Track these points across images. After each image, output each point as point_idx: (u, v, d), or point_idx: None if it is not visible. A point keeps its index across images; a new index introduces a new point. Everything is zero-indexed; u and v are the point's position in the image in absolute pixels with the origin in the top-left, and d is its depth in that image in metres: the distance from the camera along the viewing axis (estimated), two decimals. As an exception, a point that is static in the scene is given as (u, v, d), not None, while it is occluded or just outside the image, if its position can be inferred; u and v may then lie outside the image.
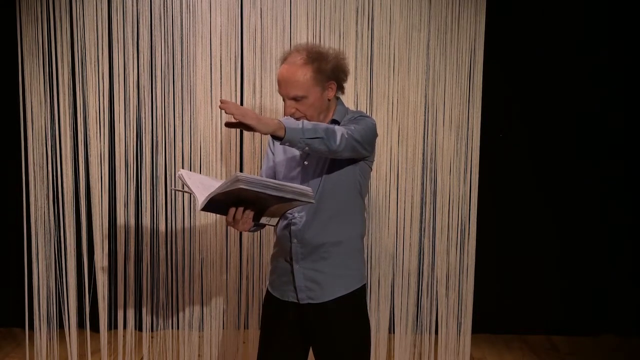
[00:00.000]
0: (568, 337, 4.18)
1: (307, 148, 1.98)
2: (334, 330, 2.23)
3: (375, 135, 2.24)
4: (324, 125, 2.02)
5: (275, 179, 2.25)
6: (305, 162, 2.23)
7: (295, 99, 2.14)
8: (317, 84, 2.15)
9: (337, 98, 2.28)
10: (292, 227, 2.23)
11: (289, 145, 1.97)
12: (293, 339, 2.29)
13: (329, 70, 2.16)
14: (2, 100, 3.76)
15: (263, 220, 2.10)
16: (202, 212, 3.21)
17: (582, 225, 4.14)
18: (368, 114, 3.17)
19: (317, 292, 2.22)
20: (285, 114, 2.18)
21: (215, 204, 1.99)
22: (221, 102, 1.86)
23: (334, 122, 2.23)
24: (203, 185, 2.04)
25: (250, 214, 2.02)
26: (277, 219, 2.14)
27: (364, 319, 2.29)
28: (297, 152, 2.25)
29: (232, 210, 2.01)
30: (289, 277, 2.26)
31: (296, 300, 2.25)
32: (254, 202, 1.99)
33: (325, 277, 2.22)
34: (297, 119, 2.17)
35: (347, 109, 2.29)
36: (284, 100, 2.21)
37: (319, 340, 2.26)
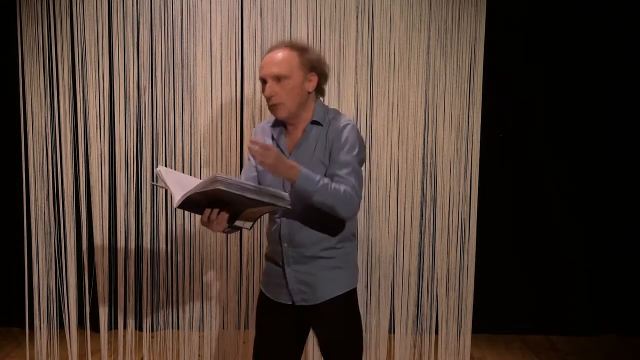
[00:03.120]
0: (568, 337, 4.18)
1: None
2: (330, 328, 2.26)
3: (364, 146, 2.23)
4: (338, 192, 2.07)
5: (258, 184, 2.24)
6: None
7: (278, 78, 2.16)
8: (300, 69, 2.17)
9: (317, 98, 2.28)
10: (282, 231, 2.23)
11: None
12: (288, 338, 2.31)
13: (313, 61, 2.20)
14: (2, 100, 3.76)
15: (238, 222, 2.10)
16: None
17: (582, 225, 4.14)
18: (368, 117, 3.19)
19: (310, 294, 2.23)
20: (265, 94, 2.19)
21: (191, 203, 1.99)
22: (251, 142, 1.98)
23: (315, 123, 2.22)
24: (180, 184, 2.03)
25: (225, 215, 2.03)
26: (252, 222, 2.13)
27: (356, 319, 2.30)
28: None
29: (208, 210, 2.02)
30: (281, 279, 2.26)
31: (290, 303, 2.26)
32: (230, 203, 1.99)
33: (315, 280, 2.22)
34: (275, 104, 2.18)
35: (326, 109, 2.27)
36: (263, 84, 2.21)
37: (318, 335, 2.31)
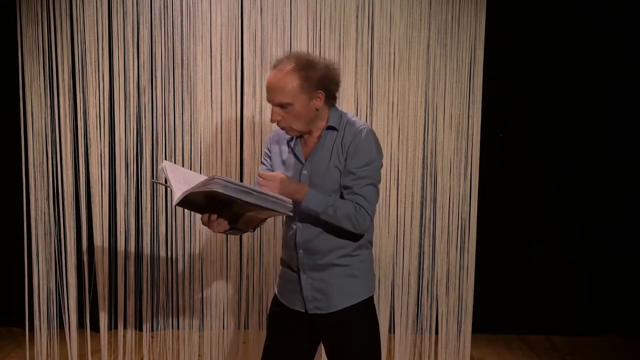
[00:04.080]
0: (568, 337, 4.18)
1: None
2: (343, 338, 2.22)
3: (381, 153, 2.20)
4: (343, 215, 2.10)
5: None
6: (304, 171, 2.20)
7: (281, 105, 2.12)
8: (304, 92, 2.11)
9: (332, 105, 2.22)
10: (297, 238, 2.20)
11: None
12: (298, 346, 2.29)
13: (317, 79, 2.12)
14: (2, 100, 3.76)
15: (240, 225, 2.07)
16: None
17: (582, 225, 4.14)
18: (368, 117, 3.19)
19: (324, 302, 2.20)
20: (271, 121, 2.16)
21: (191, 202, 1.97)
22: (258, 175, 2.10)
23: (331, 128, 2.19)
24: (185, 181, 1.99)
25: (225, 217, 2.01)
26: (255, 226, 2.11)
27: (372, 329, 2.27)
28: (296, 162, 2.23)
29: (207, 211, 2.01)
30: (296, 286, 2.25)
31: (304, 310, 2.24)
32: (230, 205, 1.97)
33: (331, 288, 2.20)
34: (283, 127, 2.16)
35: (340, 114, 2.22)
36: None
37: (329, 346, 2.26)
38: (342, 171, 2.15)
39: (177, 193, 1.93)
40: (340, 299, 2.20)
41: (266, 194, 1.93)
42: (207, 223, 2.04)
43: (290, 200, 1.98)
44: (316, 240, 2.18)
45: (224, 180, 1.85)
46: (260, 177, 2.07)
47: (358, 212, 2.10)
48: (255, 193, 1.90)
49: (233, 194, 1.86)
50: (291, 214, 2.01)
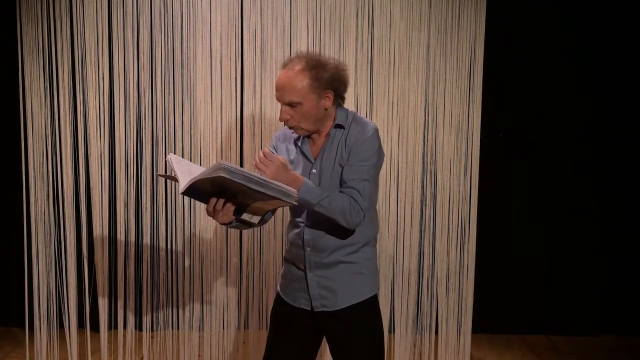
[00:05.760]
0: (568, 337, 4.18)
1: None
2: (348, 335, 2.22)
3: (382, 152, 2.22)
4: (337, 207, 2.09)
5: None
6: (314, 170, 2.21)
7: (291, 104, 2.13)
8: (313, 92, 2.12)
9: (339, 104, 2.24)
10: (305, 236, 2.21)
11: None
12: (302, 344, 2.29)
13: (326, 79, 2.13)
14: (2, 100, 3.76)
15: (245, 216, 2.08)
16: (204, 214, 3.24)
17: (582, 225, 4.14)
18: (368, 117, 3.20)
19: (331, 299, 2.21)
20: (280, 119, 2.17)
21: (197, 191, 1.98)
22: (262, 151, 2.05)
23: (339, 126, 2.20)
24: (190, 172, 2.01)
25: (230, 206, 2.01)
26: (260, 217, 2.12)
27: (377, 326, 2.28)
28: (305, 161, 2.24)
29: (213, 200, 2.00)
30: (302, 284, 2.25)
31: (309, 308, 2.24)
32: (236, 194, 1.98)
33: (337, 285, 2.21)
34: (292, 126, 2.18)
35: (347, 112, 2.24)
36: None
37: (334, 343, 2.27)
38: (342, 166, 2.16)
39: (183, 182, 1.95)
40: (346, 296, 2.21)
41: (272, 182, 1.94)
42: (212, 213, 2.03)
43: (295, 190, 1.98)
44: (324, 238, 2.19)
45: (231, 167, 1.86)
46: (264, 155, 2.04)
47: (352, 206, 2.10)
48: (261, 181, 1.92)
49: (239, 180, 1.87)
50: (296, 203, 2.00)
